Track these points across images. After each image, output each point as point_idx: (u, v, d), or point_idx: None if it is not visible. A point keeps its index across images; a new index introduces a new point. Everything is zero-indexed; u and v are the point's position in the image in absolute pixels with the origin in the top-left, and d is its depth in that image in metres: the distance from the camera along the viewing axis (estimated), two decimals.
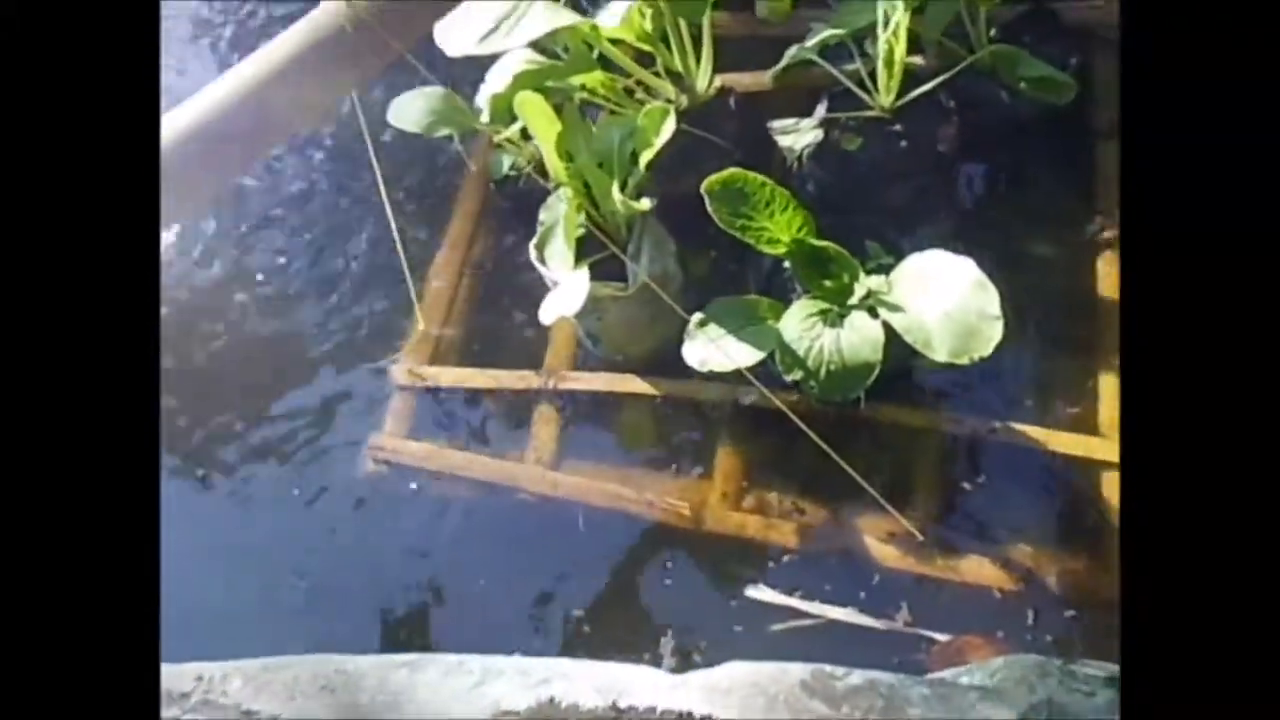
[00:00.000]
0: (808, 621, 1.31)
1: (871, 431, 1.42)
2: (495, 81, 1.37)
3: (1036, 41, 1.56)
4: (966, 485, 1.39)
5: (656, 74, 1.54)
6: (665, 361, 1.44)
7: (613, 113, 1.50)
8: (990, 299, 1.22)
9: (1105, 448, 1.36)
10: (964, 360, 1.21)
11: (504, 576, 1.40)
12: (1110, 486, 1.34)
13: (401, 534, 1.45)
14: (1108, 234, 1.50)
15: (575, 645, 1.32)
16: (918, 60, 1.57)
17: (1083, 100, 1.54)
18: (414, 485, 1.48)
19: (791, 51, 1.63)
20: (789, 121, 1.58)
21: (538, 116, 1.27)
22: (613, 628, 1.34)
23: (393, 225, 1.13)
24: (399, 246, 1.17)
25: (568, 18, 1.28)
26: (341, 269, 1.70)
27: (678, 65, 1.52)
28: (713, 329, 1.34)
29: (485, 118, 1.39)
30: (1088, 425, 1.38)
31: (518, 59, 1.37)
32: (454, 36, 1.25)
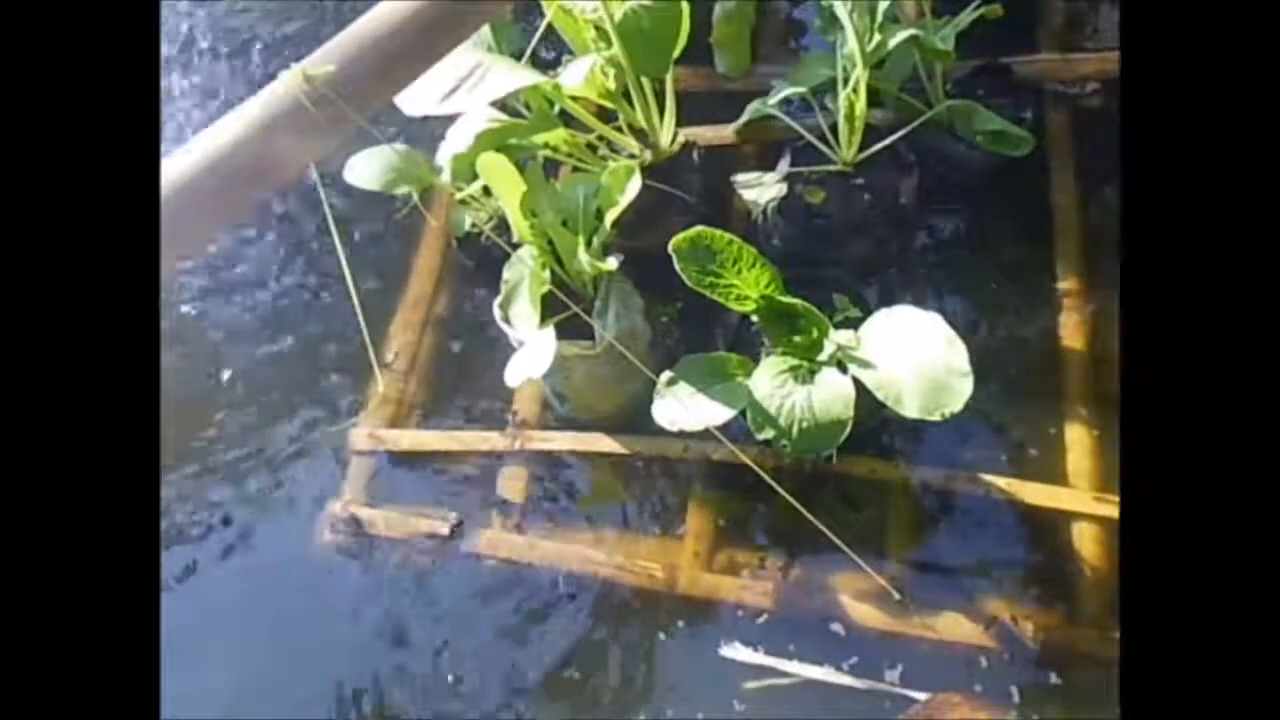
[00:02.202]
0: (784, 681, 1.28)
1: (844, 486, 1.41)
2: (457, 140, 1.34)
3: (990, 95, 1.59)
4: (939, 539, 1.38)
5: (619, 130, 1.54)
6: (634, 419, 1.42)
7: (576, 169, 1.49)
8: (959, 355, 1.22)
9: (1075, 498, 1.36)
10: (935, 416, 1.20)
11: (471, 645, 1.34)
12: (1081, 536, 1.34)
13: (361, 604, 1.39)
14: (1066, 285, 1.52)
15: (548, 712, 1.27)
16: (877, 114, 1.58)
17: (1038, 152, 1.57)
18: (374, 553, 1.43)
19: (753, 106, 1.65)
20: (752, 175, 1.58)
21: (501, 177, 1.25)
22: (585, 693, 1.30)
23: (350, 285, 1.09)
24: (357, 307, 1.13)
25: (529, 77, 1.27)
26: (299, 330, 1.65)
27: (641, 121, 1.52)
28: (682, 387, 1.32)
29: (446, 176, 1.36)
30: (1057, 475, 1.39)
31: (479, 117, 1.35)
32: (414, 97, 1.23)
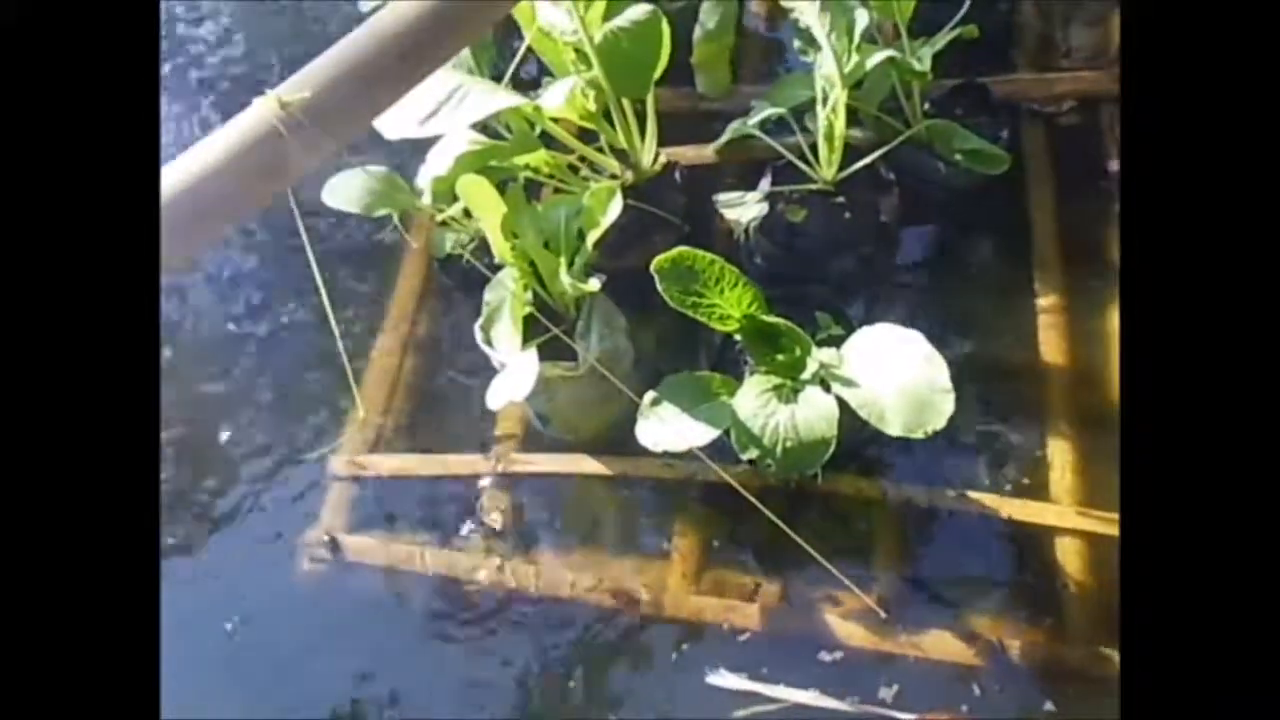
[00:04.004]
0: (771, 707, 1.27)
1: (829, 504, 1.41)
2: (437, 162, 1.34)
3: (968, 115, 1.61)
4: (925, 556, 1.38)
5: (600, 150, 1.54)
6: (618, 440, 1.41)
7: (558, 190, 1.49)
8: (940, 372, 1.22)
9: (1058, 513, 1.36)
10: (918, 434, 1.20)
11: (454, 672, 1.32)
12: (1065, 552, 1.34)
13: (342, 634, 1.37)
14: (1046, 301, 1.54)
15: None
16: (856, 134, 1.60)
17: (1016, 170, 1.59)
18: (355, 582, 1.40)
19: (734, 126, 1.65)
20: (734, 195, 1.59)
21: (482, 199, 1.25)
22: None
23: (328, 308, 1.08)
24: (335, 331, 1.12)
25: (509, 99, 1.27)
26: (277, 355, 1.64)
27: (622, 142, 1.53)
28: (666, 408, 1.31)
29: (426, 198, 1.36)
30: (1040, 491, 1.39)
31: (460, 139, 1.35)
32: (394, 120, 1.22)
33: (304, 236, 1.04)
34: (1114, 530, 1.33)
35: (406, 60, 0.84)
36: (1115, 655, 1.26)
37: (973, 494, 1.38)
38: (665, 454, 1.32)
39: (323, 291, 1.07)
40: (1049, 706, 1.24)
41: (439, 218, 1.47)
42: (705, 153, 1.69)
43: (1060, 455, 1.41)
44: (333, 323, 1.12)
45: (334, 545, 1.42)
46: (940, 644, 1.29)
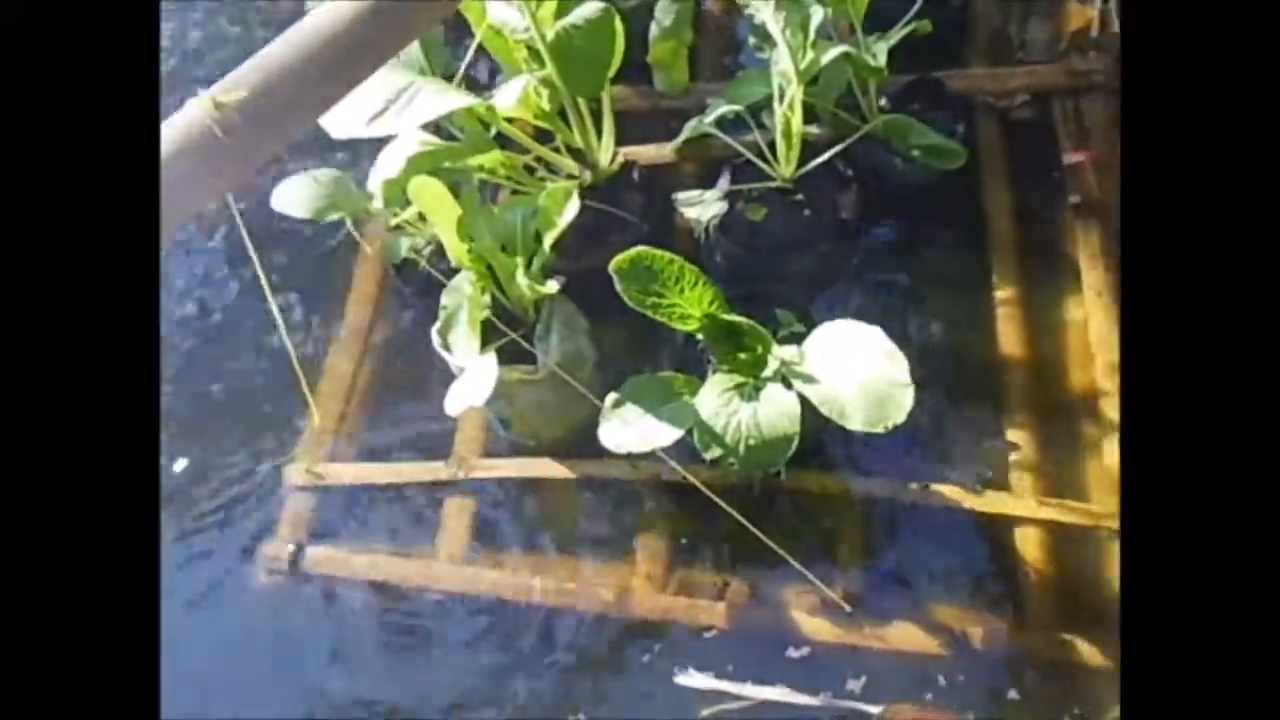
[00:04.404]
0: (738, 705, 1.27)
1: (793, 501, 1.41)
2: (388, 164, 1.31)
3: (924, 110, 1.61)
4: (888, 549, 1.39)
5: (557, 150, 1.52)
6: (582, 443, 1.39)
7: (515, 192, 1.47)
8: (900, 367, 1.22)
9: (1018, 503, 1.37)
10: (879, 429, 1.21)
11: (418, 683, 1.30)
12: (1026, 541, 1.36)
13: (302, 648, 1.34)
14: (1004, 293, 1.55)
15: None
16: (814, 130, 1.60)
17: (972, 164, 1.60)
18: (315, 593, 1.38)
19: (692, 124, 1.65)
20: (694, 194, 1.58)
21: (434, 202, 1.23)
22: None
23: (277, 315, 1.06)
24: (285, 338, 1.10)
25: (460, 99, 1.25)
26: (227, 365, 1.60)
27: (578, 141, 1.51)
28: (628, 409, 1.30)
29: (378, 202, 1.33)
30: (1000, 482, 1.40)
31: (411, 140, 1.33)
32: (340, 120, 1.20)
33: (248, 244, 1.01)
34: (1073, 518, 1.35)
35: (345, 59, 0.81)
36: (1076, 641, 1.28)
37: (935, 486, 1.39)
38: (629, 455, 1.31)
39: (270, 299, 1.04)
40: (1012, 694, 1.26)
41: (393, 221, 1.44)
42: (664, 151, 1.69)
43: (1019, 445, 1.42)
44: (282, 330, 1.09)
45: (292, 556, 1.39)
46: (905, 636, 1.30)
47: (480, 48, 1.40)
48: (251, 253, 0.97)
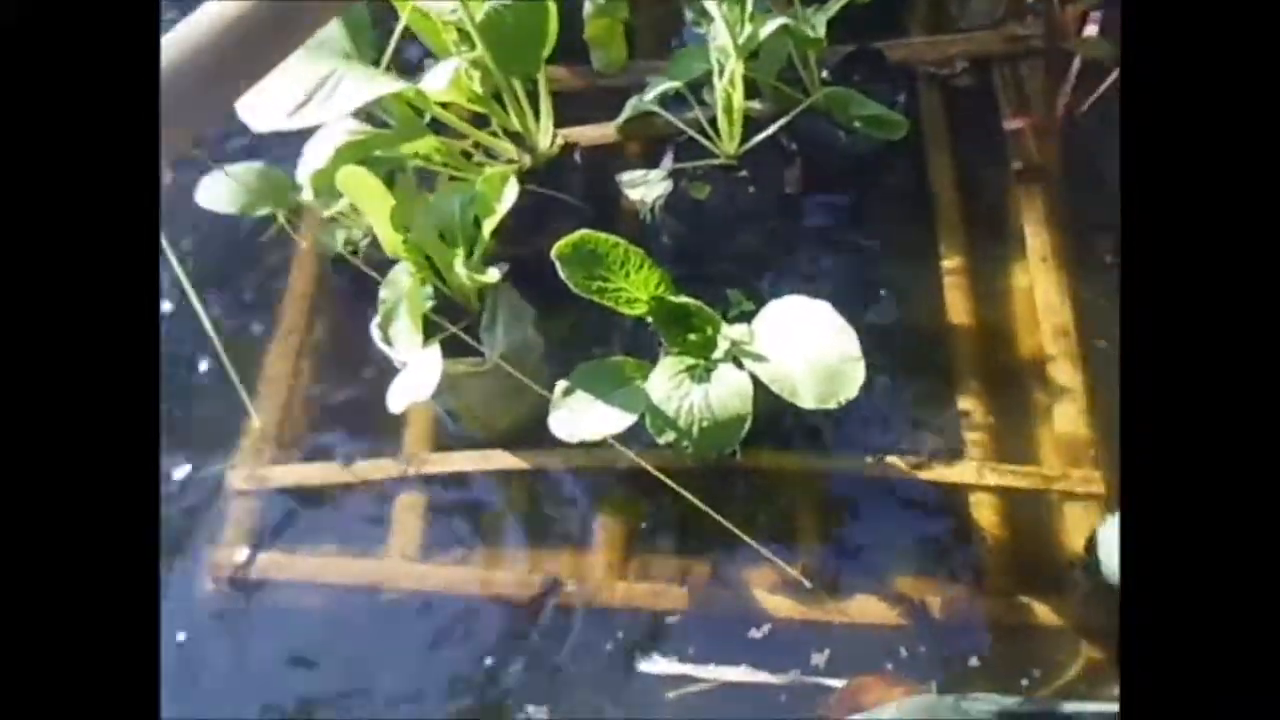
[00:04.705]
0: (703, 686, 1.26)
1: (750, 481, 1.40)
2: (315, 155, 1.26)
3: (865, 80, 1.60)
4: (846, 523, 1.39)
5: (494, 134, 1.48)
6: (534, 432, 1.37)
7: (452, 178, 1.43)
8: (850, 341, 1.22)
9: (971, 471, 1.39)
10: (831, 405, 1.20)
11: (374, 686, 1.28)
12: (980, 507, 1.37)
13: (252, 658, 1.30)
14: (950, 262, 1.55)
15: None
16: (755, 105, 1.58)
17: (915, 134, 1.60)
18: (264, 600, 1.34)
19: (632, 103, 1.62)
20: (637, 174, 1.56)
21: (364, 192, 1.18)
22: None
23: (202, 315, 1.01)
24: (213, 338, 1.05)
25: (388, 84, 1.20)
26: (162, 365, 1.54)
27: (515, 124, 1.47)
28: (579, 397, 1.28)
29: (308, 195, 1.28)
30: (954, 450, 1.41)
31: (339, 129, 1.27)
32: (260, 111, 1.14)
33: (164, 242, 0.96)
34: (1025, 483, 1.37)
35: (254, 45, 0.77)
36: (1032, 604, 1.29)
37: (889, 458, 1.40)
38: (582, 443, 1.29)
39: (194, 298, 1.00)
40: (973, 661, 1.27)
41: (326, 214, 1.39)
42: (605, 131, 1.65)
43: (971, 412, 1.43)
44: (209, 329, 1.05)
45: (239, 563, 1.35)
46: (865, 608, 1.30)
47: (408, 30, 1.35)
48: (168, 251, 0.92)
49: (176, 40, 0.72)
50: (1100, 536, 1.29)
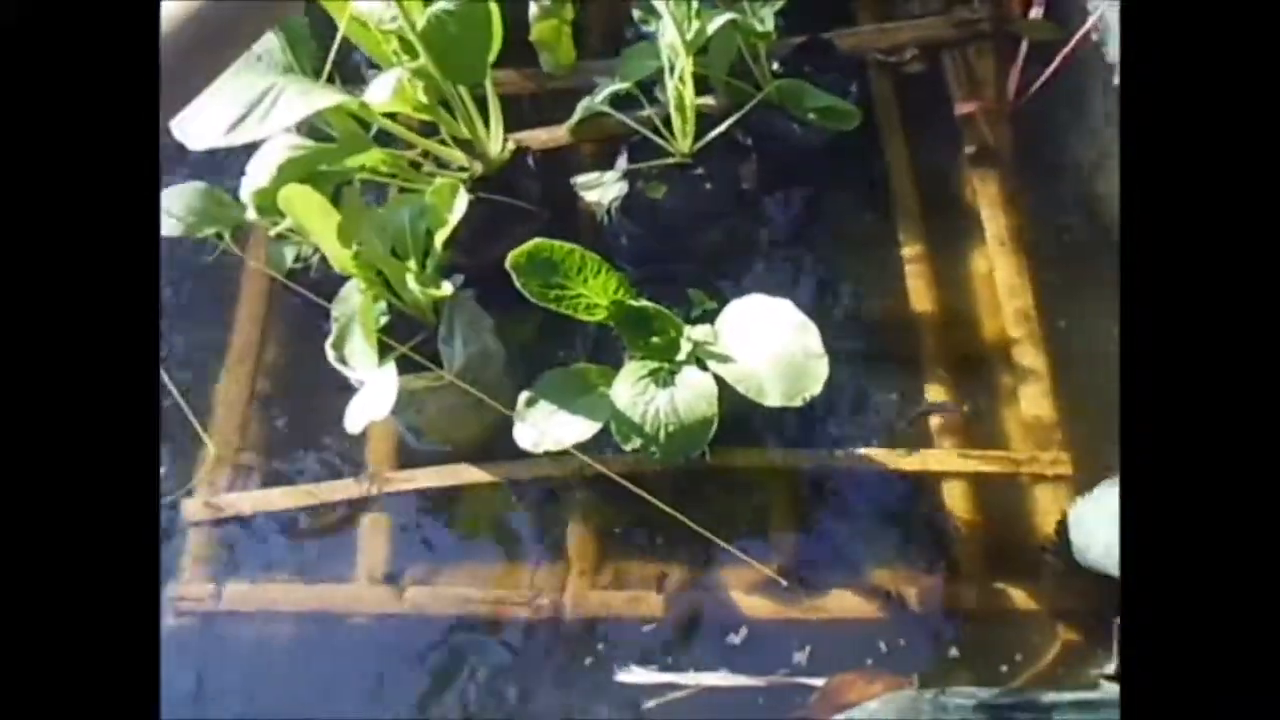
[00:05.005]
0: (683, 693, 1.25)
1: (721, 481, 1.39)
2: (258, 173, 1.23)
3: (816, 72, 1.59)
4: (819, 519, 1.38)
5: (444, 142, 1.45)
6: (499, 444, 1.34)
7: (403, 190, 1.40)
8: (812, 338, 1.21)
9: (941, 458, 1.38)
10: (797, 402, 1.19)
11: (347, 710, 1.25)
12: (952, 495, 1.37)
13: (224, 690, 1.26)
14: (910, 250, 1.55)
15: None
16: (708, 101, 1.56)
17: (868, 123, 1.59)
18: (230, 631, 1.30)
19: (584, 104, 1.59)
20: (592, 176, 1.53)
21: (308, 210, 1.15)
22: None
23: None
24: (158, 363, 1.02)
25: (329, 97, 1.17)
26: None
27: (464, 132, 1.44)
28: (543, 406, 1.26)
29: (252, 214, 1.24)
30: (923, 438, 1.41)
31: (280, 145, 1.24)
32: (195, 128, 1.11)
33: None
34: (995, 467, 1.37)
35: (182, 62, 0.74)
36: (1008, 589, 1.30)
37: (859, 450, 1.39)
38: (549, 453, 1.27)
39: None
40: (953, 651, 1.27)
41: (273, 232, 1.35)
42: (557, 134, 1.63)
43: (938, 400, 1.43)
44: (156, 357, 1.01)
45: (198, 596, 1.31)
46: (842, 603, 1.30)
47: (346, 40, 1.31)
48: None
49: None
50: (1071, 518, 1.30)
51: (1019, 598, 1.29)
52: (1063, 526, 1.31)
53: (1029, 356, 1.45)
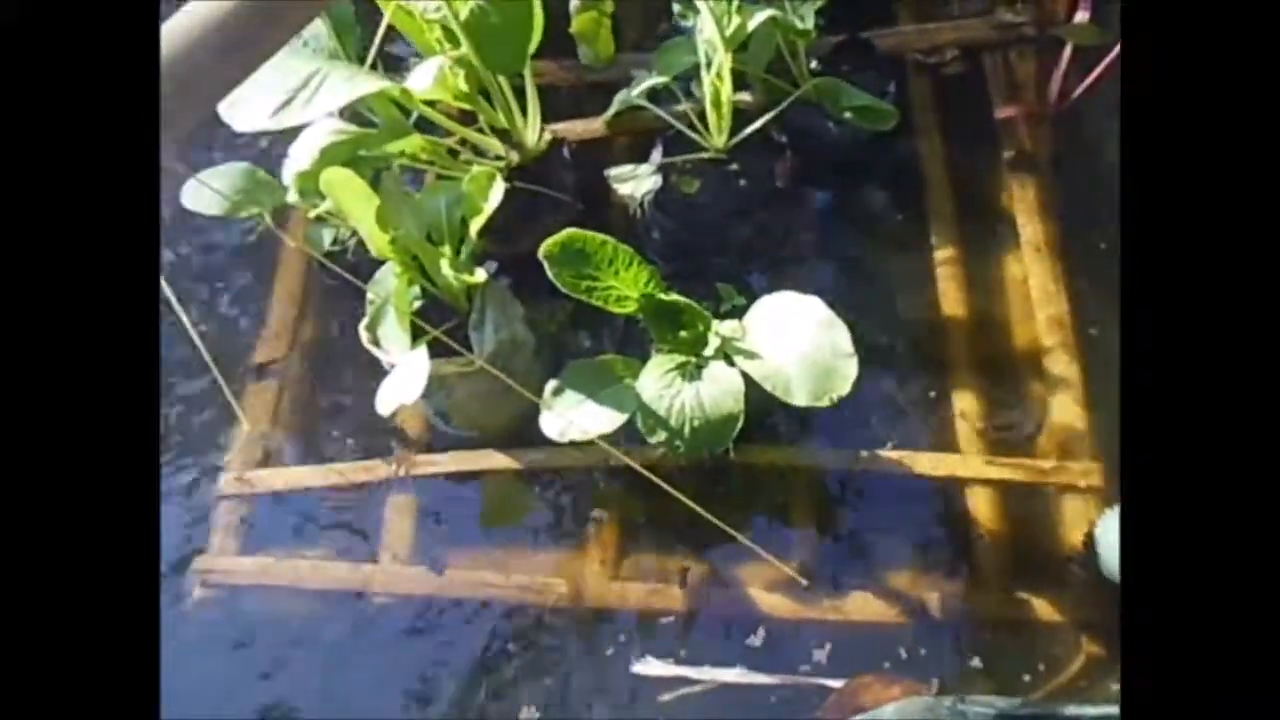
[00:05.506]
0: (698, 688, 1.25)
1: (744, 478, 1.39)
2: (300, 156, 1.25)
3: (854, 71, 1.59)
4: (842, 520, 1.38)
5: (481, 131, 1.47)
6: (525, 431, 1.36)
7: (440, 177, 1.41)
8: (842, 336, 1.21)
9: (967, 464, 1.38)
10: (824, 402, 1.19)
11: (366, 694, 1.27)
12: (976, 501, 1.36)
13: (243, 664, 1.29)
14: (943, 253, 1.54)
15: None
16: (745, 97, 1.56)
17: (905, 124, 1.58)
18: (255, 605, 1.33)
19: (620, 97, 1.60)
20: (626, 169, 1.54)
21: (349, 193, 1.17)
22: None
23: (183, 317, 1.00)
24: (196, 340, 1.04)
25: (372, 83, 1.19)
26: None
27: (502, 121, 1.45)
28: (569, 396, 1.27)
29: (293, 195, 1.26)
30: (947, 443, 1.40)
31: (324, 129, 1.26)
32: (243, 111, 1.13)
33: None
34: (1021, 476, 1.36)
35: (226, 55, 0.76)
36: (1031, 599, 1.28)
37: (884, 453, 1.38)
38: (574, 443, 1.28)
39: (174, 301, 0.99)
40: (974, 660, 1.26)
41: (313, 213, 1.37)
42: (593, 126, 1.64)
43: (966, 405, 1.42)
44: (191, 332, 1.04)
45: (227, 569, 1.34)
46: (863, 606, 1.29)
47: (392, 28, 1.33)
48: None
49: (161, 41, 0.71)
50: (1098, 530, 1.28)
51: (1043, 608, 1.28)
52: (1090, 538, 1.29)
53: (1061, 364, 1.43)
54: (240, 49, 0.74)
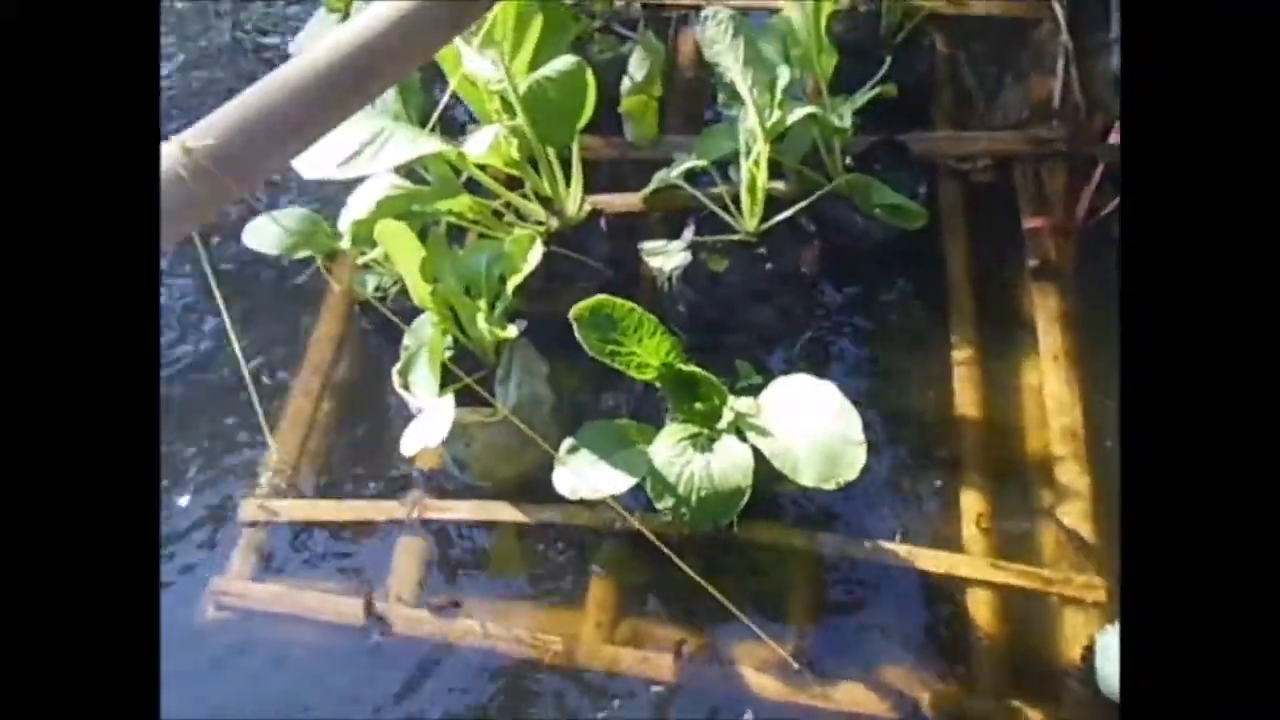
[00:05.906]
0: None
1: (746, 554, 1.40)
2: (357, 206, 1.33)
3: (887, 170, 1.65)
4: (839, 607, 1.38)
5: (526, 197, 1.55)
6: (537, 486, 1.39)
7: (482, 236, 1.49)
8: (853, 424, 1.24)
9: (970, 565, 1.38)
10: (830, 485, 1.22)
11: None
12: (976, 603, 1.36)
13: (247, 685, 1.31)
14: (961, 354, 1.57)
15: None
16: (779, 186, 1.63)
17: (933, 225, 1.64)
18: (262, 631, 1.36)
19: (659, 175, 1.68)
20: (658, 243, 1.61)
21: (400, 245, 1.24)
22: None
23: (237, 350, 1.06)
24: (245, 372, 1.10)
25: (432, 145, 1.27)
26: (186, 399, 1.59)
27: (547, 189, 1.53)
28: (583, 455, 1.31)
29: (346, 242, 1.34)
30: (953, 543, 1.41)
31: (381, 183, 1.34)
32: (313, 160, 1.21)
33: (210, 275, 1.03)
34: (1025, 582, 1.36)
35: (313, 110, 0.83)
36: (1025, 709, 1.27)
37: (886, 544, 1.39)
38: (583, 501, 1.31)
39: (230, 331, 1.05)
40: None
41: (360, 260, 1.45)
42: (632, 200, 1.71)
43: (973, 507, 1.43)
44: (241, 363, 1.09)
45: (240, 593, 1.37)
46: (852, 696, 1.29)
47: (455, 94, 1.42)
48: (215, 291, 0.98)
49: (256, 95, 0.77)
50: (1099, 645, 1.27)
51: (1036, 719, 1.26)
52: (1089, 653, 1.28)
53: (1072, 475, 1.44)
54: (329, 105, 0.81)
